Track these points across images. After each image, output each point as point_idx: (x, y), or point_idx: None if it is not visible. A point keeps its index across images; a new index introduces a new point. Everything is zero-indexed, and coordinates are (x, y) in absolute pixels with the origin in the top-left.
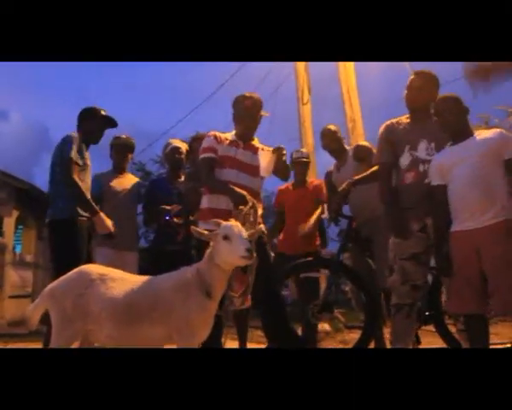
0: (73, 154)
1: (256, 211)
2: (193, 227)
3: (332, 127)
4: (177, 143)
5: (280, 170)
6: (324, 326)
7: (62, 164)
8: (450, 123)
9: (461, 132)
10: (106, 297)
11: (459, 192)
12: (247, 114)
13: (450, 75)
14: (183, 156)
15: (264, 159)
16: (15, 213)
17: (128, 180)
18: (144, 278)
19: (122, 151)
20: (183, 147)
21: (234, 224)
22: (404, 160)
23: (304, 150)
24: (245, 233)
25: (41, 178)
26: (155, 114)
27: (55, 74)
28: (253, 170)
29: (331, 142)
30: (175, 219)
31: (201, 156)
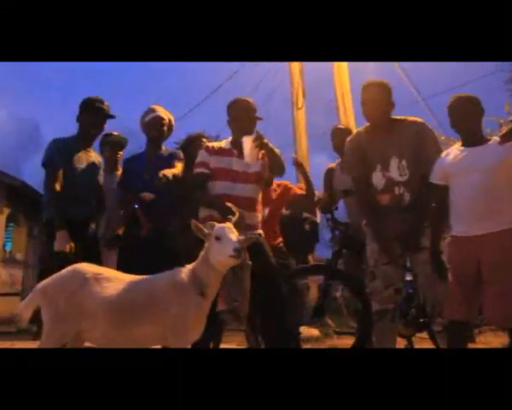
0: (51, 160)
1: (244, 220)
2: (193, 221)
3: (343, 127)
4: (161, 112)
5: (271, 165)
6: (313, 332)
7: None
8: (463, 125)
9: (473, 136)
10: (100, 296)
11: (467, 198)
12: (242, 115)
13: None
14: (165, 128)
15: (247, 145)
16: (6, 211)
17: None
18: (139, 278)
19: (113, 148)
20: (167, 117)
21: (227, 225)
22: (378, 180)
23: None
24: (235, 235)
25: (30, 175)
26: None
27: (46, 70)
28: (249, 178)
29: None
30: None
31: (194, 171)
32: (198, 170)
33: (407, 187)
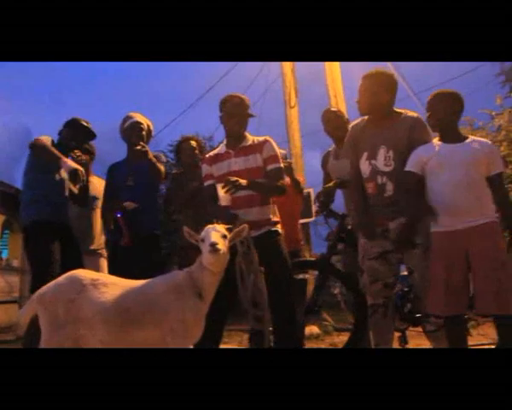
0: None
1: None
2: (185, 228)
3: (336, 111)
4: (138, 117)
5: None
6: (313, 329)
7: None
8: (439, 121)
9: (450, 133)
10: (98, 302)
11: (448, 194)
12: (235, 111)
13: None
14: (144, 133)
15: (220, 192)
16: (1, 218)
17: (99, 185)
18: (136, 282)
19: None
20: (145, 123)
21: (212, 226)
22: (364, 168)
23: (283, 151)
24: (217, 233)
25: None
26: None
27: (41, 78)
28: (250, 173)
29: (336, 129)
30: (124, 220)
31: (204, 185)
32: (205, 183)
33: (390, 178)
